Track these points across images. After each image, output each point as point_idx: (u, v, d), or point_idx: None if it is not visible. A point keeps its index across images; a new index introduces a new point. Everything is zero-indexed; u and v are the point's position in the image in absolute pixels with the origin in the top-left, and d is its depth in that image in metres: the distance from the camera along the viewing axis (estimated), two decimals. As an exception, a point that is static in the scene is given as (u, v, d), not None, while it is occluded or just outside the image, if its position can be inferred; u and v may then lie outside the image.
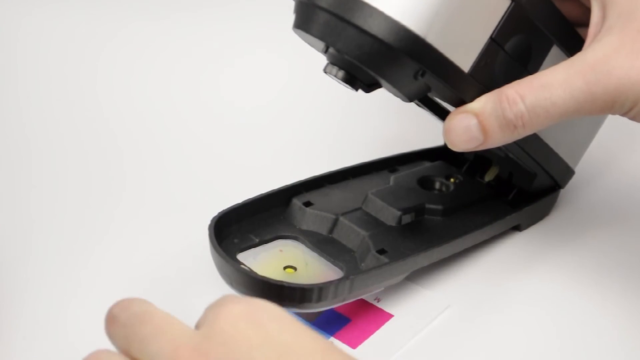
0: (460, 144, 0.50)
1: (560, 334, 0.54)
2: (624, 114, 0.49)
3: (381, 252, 0.54)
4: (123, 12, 0.88)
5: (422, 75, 0.48)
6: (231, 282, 0.51)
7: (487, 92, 0.50)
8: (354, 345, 0.53)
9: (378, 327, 0.54)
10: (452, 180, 0.63)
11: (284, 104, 0.75)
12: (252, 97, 0.75)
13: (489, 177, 0.63)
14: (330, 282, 0.50)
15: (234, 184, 0.65)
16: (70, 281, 0.57)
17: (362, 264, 0.54)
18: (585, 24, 0.52)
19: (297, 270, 0.54)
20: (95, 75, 0.79)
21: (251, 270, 0.51)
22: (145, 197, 0.64)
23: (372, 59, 0.47)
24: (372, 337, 0.54)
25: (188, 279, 0.56)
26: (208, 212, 0.55)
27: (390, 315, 0.55)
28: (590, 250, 0.61)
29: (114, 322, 0.39)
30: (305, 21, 0.49)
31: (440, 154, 0.65)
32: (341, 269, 0.54)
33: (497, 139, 0.50)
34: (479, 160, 0.63)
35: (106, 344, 0.40)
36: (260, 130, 0.72)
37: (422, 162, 0.66)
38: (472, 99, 0.50)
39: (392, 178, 0.61)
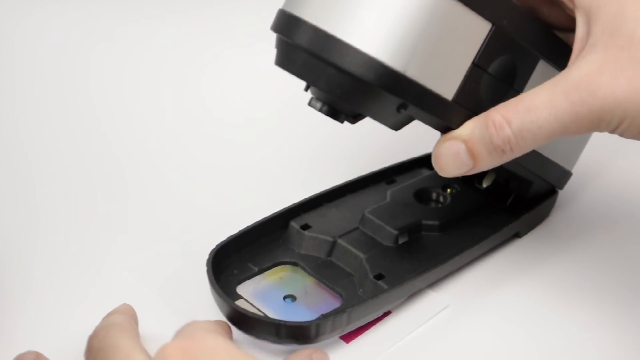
0: (450, 170, 0.50)
1: (551, 342, 0.54)
2: (611, 132, 0.48)
3: (379, 277, 0.54)
4: (120, 12, 0.88)
5: (405, 107, 0.48)
6: (230, 320, 0.52)
7: (473, 116, 0.50)
8: (347, 340, 0.53)
9: (374, 324, 0.54)
10: (448, 190, 0.62)
11: (278, 115, 0.74)
12: (245, 111, 0.75)
13: (486, 182, 0.63)
14: (327, 318, 0.51)
15: (232, 197, 0.65)
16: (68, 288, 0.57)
17: (361, 290, 0.55)
18: (573, 29, 0.51)
19: (297, 299, 0.55)
20: (90, 75, 0.79)
21: (248, 311, 0.51)
22: (142, 215, 0.64)
23: (353, 96, 0.47)
24: (366, 333, 0.54)
25: (186, 305, 0.56)
26: (207, 226, 0.57)
27: (388, 312, 0.55)
28: (588, 256, 0.60)
29: (90, 351, 0.48)
30: (285, 60, 0.48)
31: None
32: (340, 295, 0.54)
33: (487, 164, 0.49)
34: None
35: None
36: (254, 142, 0.72)
37: (419, 169, 0.66)
38: (458, 125, 0.49)
39: (389, 193, 0.61)
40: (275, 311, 0.53)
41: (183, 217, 0.63)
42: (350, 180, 0.63)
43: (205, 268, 0.53)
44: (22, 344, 0.51)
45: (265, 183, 0.67)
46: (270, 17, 0.50)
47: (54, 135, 0.72)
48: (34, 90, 0.78)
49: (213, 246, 0.55)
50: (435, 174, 0.63)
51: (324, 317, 0.51)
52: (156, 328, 0.53)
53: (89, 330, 0.51)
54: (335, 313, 0.51)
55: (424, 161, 0.66)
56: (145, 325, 0.53)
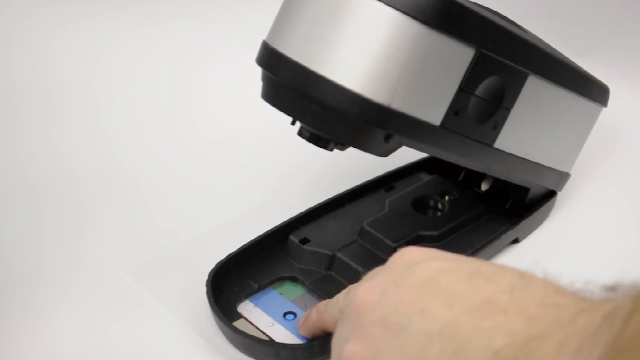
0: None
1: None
2: None
3: None
4: (119, 17, 0.87)
5: (393, 137, 0.48)
6: (230, 342, 0.53)
7: (462, 140, 0.49)
8: None
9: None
10: (447, 197, 0.62)
11: (276, 122, 0.74)
12: (242, 119, 0.74)
13: (485, 185, 0.63)
14: (326, 338, 0.51)
15: (231, 200, 0.66)
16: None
17: (360, 305, 0.55)
18: None
19: (297, 316, 0.55)
20: (93, 79, 0.79)
21: (248, 334, 0.52)
22: (141, 219, 0.64)
23: (339, 131, 0.47)
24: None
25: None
26: (206, 231, 0.57)
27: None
28: (587, 257, 0.60)
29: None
30: (271, 95, 0.48)
31: (434, 164, 0.65)
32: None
33: None
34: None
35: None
36: (252, 146, 0.72)
37: (417, 174, 0.66)
38: (447, 149, 0.50)
39: (387, 202, 0.61)
40: (276, 329, 0.54)
41: (182, 221, 0.63)
42: (348, 190, 0.63)
43: (205, 276, 0.54)
44: (21, 345, 0.52)
45: (264, 187, 0.67)
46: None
47: (53, 138, 0.72)
48: (31, 95, 0.78)
49: (212, 250, 0.56)
50: (434, 181, 0.64)
51: (324, 336, 0.52)
52: (156, 331, 0.54)
53: (87, 332, 0.53)
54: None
55: (423, 165, 0.66)
56: (145, 328, 0.54)
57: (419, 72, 0.46)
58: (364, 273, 0.55)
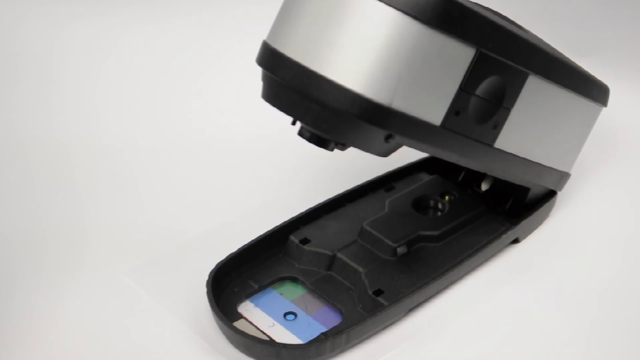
0: None
1: (551, 346, 0.55)
2: None
3: (378, 292, 0.55)
4: (123, 17, 0.87)
5: (393, 137, 0.48)
6: (231, 342, 0.53)
7: (463, 139, 0.49)
8: None
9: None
10: (447, 197, 0.63)
11: (275, 121, 0.74)
12: (243, 119, 0.74)
13: (485, 185, 0.63)
14: (326, 339, 0.51)
15: (231, 201, 0.65)
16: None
17: (360, 305, 0.55)
18: None
19: (297, 316, 0.55)
20: (93, 80, 0.79)
21: (248, 334, 0.52)
22: (141, 219, 0.64)
23: (340, 131, 0.47)
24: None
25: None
26: (206, 231, 0.57)
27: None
28: (588, 257, 0.61)
29: None
30: (271, 95, 0.48)
31: (434, 164, 0.65)
32: (340, 311, 0.55)
33: None
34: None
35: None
36: (252, 147, 0.72)
37: (417, 174, 0.66)
38: (448, 149, 0.49)
39: (387, 202, 0.61)
40: (277, 329, 0.54)
41: (182, 221, 0.63)
42: (348, 190, 0.63)
43: (206, 276, 0.54)
44: (20, 347, 0.52)
45: (264, 187, 0.67)
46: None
47: (55, 136, 0.72)
48: (31, 94, 0.78)
49: (212, 251, 0.56)
50: (434, 181, 0.64)
51: (324, 336, 0.52)
52: (156, 331, 0.54)
53: (87, 333, 0.53)
54: (334, 333, 0.52)
55: (423, 165, 0.66)
56: (145, 329, 0.54)
57: (420, 72, 0.46)
58: (365, 273, 0.56)
